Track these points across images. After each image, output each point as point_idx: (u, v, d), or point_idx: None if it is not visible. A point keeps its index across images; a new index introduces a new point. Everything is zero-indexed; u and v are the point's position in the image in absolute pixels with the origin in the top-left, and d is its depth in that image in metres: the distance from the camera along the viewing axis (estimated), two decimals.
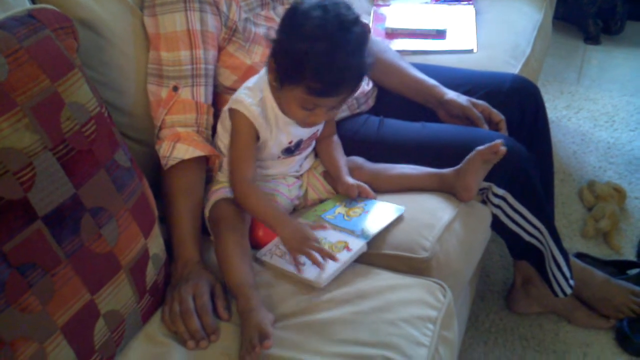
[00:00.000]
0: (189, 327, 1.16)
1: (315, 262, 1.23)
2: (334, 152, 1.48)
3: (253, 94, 1.35)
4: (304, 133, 1.40)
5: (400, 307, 1.19)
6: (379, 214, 1.36)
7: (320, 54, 1.20)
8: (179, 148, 1.36)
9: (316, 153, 1.53)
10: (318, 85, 1.23)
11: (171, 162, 1.36)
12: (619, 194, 2.20)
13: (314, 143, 1.49)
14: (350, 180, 1.42)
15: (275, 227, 1.29)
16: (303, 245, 1.24)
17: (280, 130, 1.36)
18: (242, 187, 1.32)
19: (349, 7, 1.26)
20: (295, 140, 1.40)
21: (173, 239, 1.33)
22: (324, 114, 1.31)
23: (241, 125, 1.34)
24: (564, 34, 3.21)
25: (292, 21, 1.26)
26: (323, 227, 1.33)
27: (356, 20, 1.24)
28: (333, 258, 1.24)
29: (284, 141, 1.38)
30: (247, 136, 1.34)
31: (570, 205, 2.22)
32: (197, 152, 1.37)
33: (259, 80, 1.38)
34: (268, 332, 1.10)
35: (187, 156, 1.36)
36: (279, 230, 1.28)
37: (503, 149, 1.37)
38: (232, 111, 1.35)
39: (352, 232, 1.31)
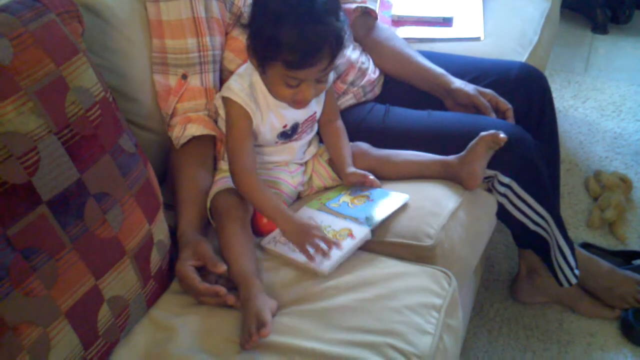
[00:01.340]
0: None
1: (320, 252, 1.22)
2: (339, 140, 1.47)
3: (242, 80, 1.36)
4: (298, 116, 1.40)
5: (405, 295, 1.19)
6: (384, 201, 1.35)
7: (289, 27, 1.21)
8: (190, 127, 1.39)
9: (321, 139, 1.52)
10: (294, 57, 1.23)
11: (183, 141, 1.39)
12: (625, 184, 2.19)
13: (315, 128, 1.48)
14: (353, 170, 1.41)
15: (276, 221, 1.29)
16: (307, 237, 1.23)
17: (272, 112, 1.36)
18: (242, 177, 1.32)
19: None
20: (290, 124, 1.39)
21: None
22: (311, 89, 1.29)
23: (234, 112, 1.34)
24: (572, 23, 3.19)
25: (258, 2, 1.27)
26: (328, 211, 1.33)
27: None
28: (338, 245, 1.23)
29: (278, 125, 1.38)
30: (241, 123, 1.34)
31: (576, 195, 2.21)
32: (207, 131, 1.40)
33: (248, 65, 1.38)
34: (266, 320, 1.10)
35: (198, 133, 1.39)
36: (280, 224, 1.28)
37: (504, 137, 1.38)
38: (223, 100, 1.36)
39: (356, 220, 1.31)
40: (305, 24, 1.21)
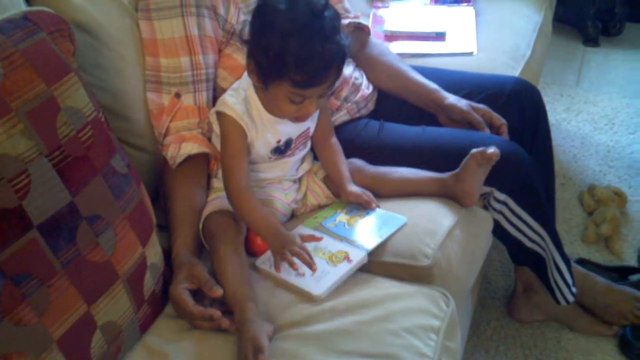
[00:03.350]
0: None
1: (292, 266, 1.21)
2: (335, 158, 1.45)
3: (236, 94, 1.34)
4: (292, 131, 1.38)
5: (403, 317, 1.17)
6: (381, 223, 1.34)
7: (298, 47, 1.19)
8: (185, 146, 1.38)
9: (316, 156, 1.51)
10: (303, 77, 1.21)
11: (179, 160, 1.37)
12: (620, 198, 2.18)
13: (309, 144, 1.47)
14: (353, 188, 1.40)
15: (262, 233, 1.27)
16: (284, 248, 1.22)
17: (266, 128, 1.35)
18: (236, 194, 1.30)
19: None
20: (284, 139, 1.38)
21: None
22: (314, 104, 1.28)
23: (229, 127, 1.32)
24: (563, 36, 3.19)
25: (263, 19, 1.24)
26: (317, 239, 1.30)
27: (326, 5, 1.23)
28: (311, 267, 1.21)
29: (272, 140, 1.37)
30: (236, 139, 1.32)
31: (571, 209, 2.20)
32: (203, 149, 1.38)
33: (242, 79, 1.37)
34: (262, 346, 1.08)
35: (193, 151, 1.37)
36: (265, 235, 1.27)
37: (496, 152, 1.34)
38: (218, 114, 1.35)
39: (352, 242, 1.29)
40: (315, 43, 1.19)
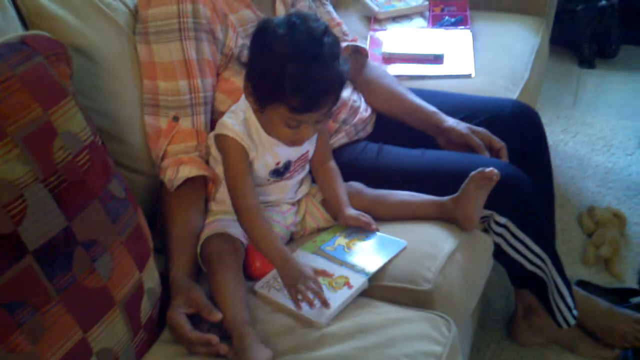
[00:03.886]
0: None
1: (307, 302, 1.19)
2: (333, 181, 1.44)
3: (235, 116, 1.34)
4: (291, 154, 1.38)
5: (404, 343, 1.15)
6: (381, 247, 1.33)
7: (296, 72, 1.19)
8: (183, 169, 1.36)
9: (314, 179, 1.50)
10: (299, 102, 1.21)
11: (177, 182, 1.36)
12: (619, 219, 2.17)
13: (307, 167, 1.46)
14: (351, 212, 1.39)
15: (275, 263, 1.26)
16: (299, 282, 1.20)
17: (266, 150, 1.34)
18: (246, 216, 1.29)
19: (316, 19, 1.25)
20: (283, 162, 1.37)
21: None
22: (310, 129, 1.28)
23: (231, 149, 1.32)
24: (559, 58, 3.19)
25: (263, 42, 1.24)
26: (328, 275, 1.28)
27: (326, 31, 1.23)
28: (325, 305, 1.19)
29: (271, 162, 1.36)
30: (238, 159, 1.32)
31: (570, 231, 2.19)
32: (201, 171, 1.37)
33: (241, 102, 1.36)
34: None
35: (192, 174, 1.36)
36: (278, 265, 1.25)
37: (495, 172, 1.32)
38: (219, 137, 1.34)
39: (352, 267, 1.28)
40: (313, 69, 1.19)
